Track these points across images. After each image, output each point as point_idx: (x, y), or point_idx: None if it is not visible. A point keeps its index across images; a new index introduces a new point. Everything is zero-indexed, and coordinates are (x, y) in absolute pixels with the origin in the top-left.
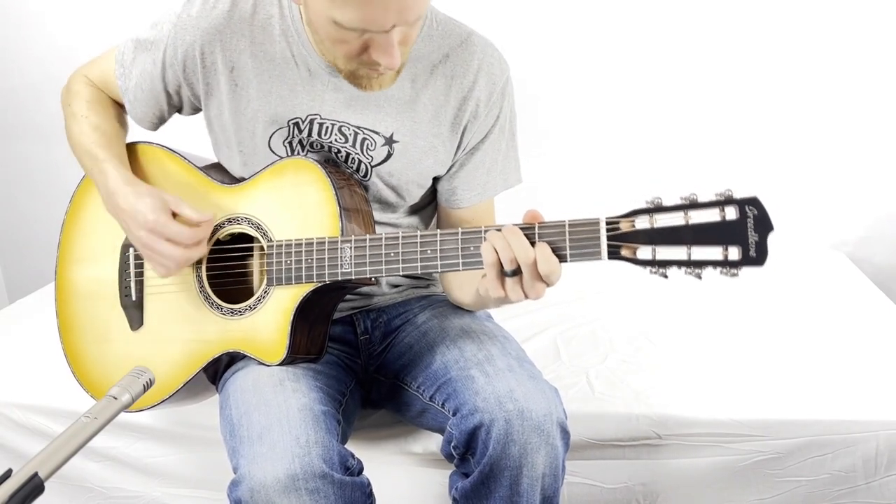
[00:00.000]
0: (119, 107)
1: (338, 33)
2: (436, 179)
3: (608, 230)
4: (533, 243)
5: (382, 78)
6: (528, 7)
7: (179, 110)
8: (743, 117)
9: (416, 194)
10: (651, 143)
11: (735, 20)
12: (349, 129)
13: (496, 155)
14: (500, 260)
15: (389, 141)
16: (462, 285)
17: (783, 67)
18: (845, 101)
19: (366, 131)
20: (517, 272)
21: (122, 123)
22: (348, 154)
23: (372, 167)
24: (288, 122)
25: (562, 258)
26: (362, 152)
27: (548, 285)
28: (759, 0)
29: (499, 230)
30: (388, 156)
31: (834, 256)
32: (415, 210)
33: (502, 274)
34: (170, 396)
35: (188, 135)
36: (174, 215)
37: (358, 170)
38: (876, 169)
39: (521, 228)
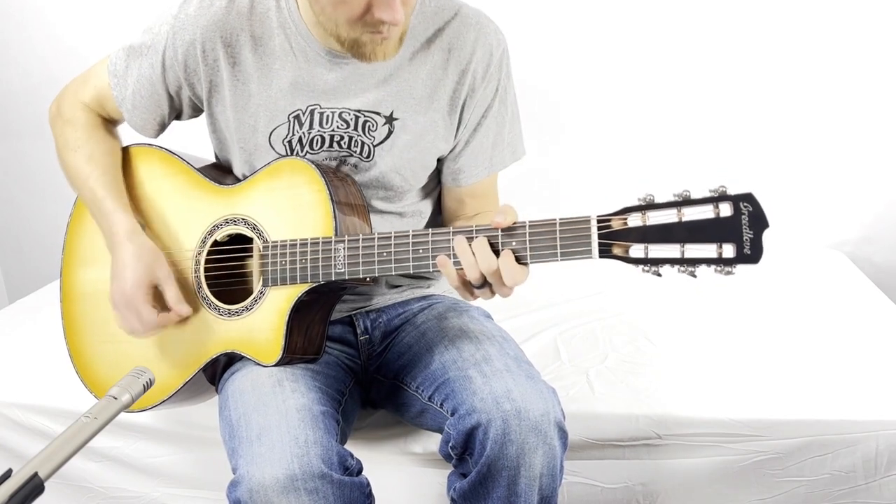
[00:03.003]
0: (112, 123)
1: None
2: (440, 161)
3: (599, 228)
4: (498, 252)
5: (386, 45)
6: (521, 5)
7: (179, 116)
8: (741, 115)
9: (420, 176)
10: (645, 140)
11: (733, 17)
12: (349, 114)
13: (500, 127)
14: (465, 274)
15: (390, 119)
16: None
17: (783, 65)
18: (846, 100)
19: (366, 113)
20: (484, 284)
21: (116, 139)
22: (351, 138)
23: (374, 147)
24: (289, 117)
25: (552, 257)
26: (364, 134)
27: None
28: None
29: (470, 238)
30: (389, 133)
31: (833, 256)
32: (424, 195)
33: (470, 284)
34: (169, 397)
35: (187, 136)
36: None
37: (361, 152)
38: (876, 168)
39: (489, 235)
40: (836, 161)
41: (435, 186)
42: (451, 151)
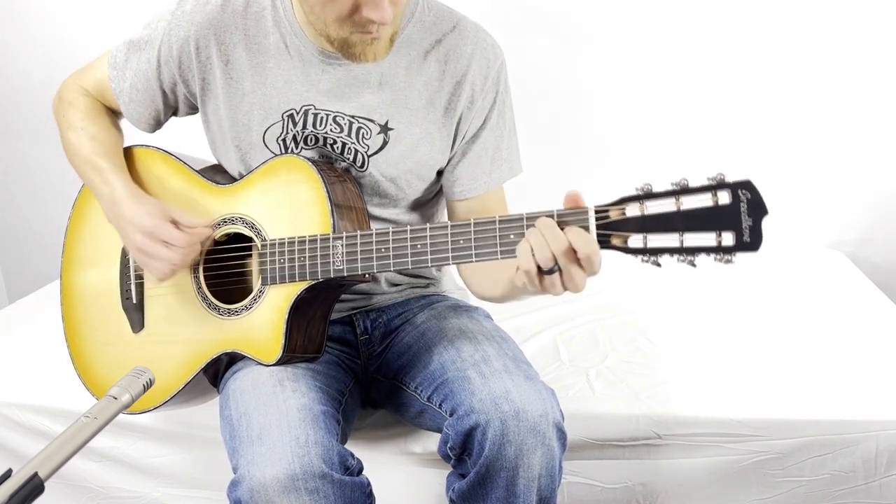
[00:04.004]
0: (114, 114)
1: None
2: (440, 174)
3: (598, 219)
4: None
5: (377, 45)
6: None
7: (175, 112)
8: (741, 115)
9: (416, 186)
10: (643, 138)
11: (733, 14)
12: (344, 118)
13: (499, 141)
14: (536, 259)
15: (384, 129)
16: (489, 276)
17: (782, 63)
18: (846, 99)
19: (360, 120)
20: (553, 270)
21: (119, 130)
22: (344, 144)
23: (368, 157)
24: (282, 115)
25: None
26: (358, 141)
27: (587, 272)
28: None
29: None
30: (384, 144)
31: (833, 256)
32: (416, 206)
33: (540, 272)
34: (171, 398)
35: (186, 137)
36: (173, 223)
37: (355, 160)
38: (876, 168)
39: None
40: (836, 161)
41: (429, 199)
42: (448, 163)
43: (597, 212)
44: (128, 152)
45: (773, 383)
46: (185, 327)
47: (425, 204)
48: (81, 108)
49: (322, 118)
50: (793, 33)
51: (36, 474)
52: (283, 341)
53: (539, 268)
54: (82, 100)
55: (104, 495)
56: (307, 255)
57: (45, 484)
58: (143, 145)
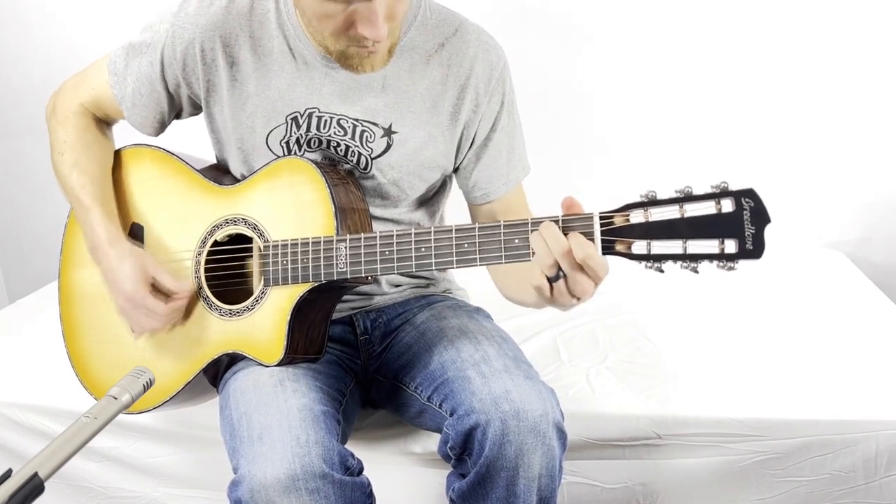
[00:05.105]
0: (107, 128)
1: (321, 7)
2: (455, 177)
3: (602, 225)
4: (565, 234)
5: (374, 58)
6: (522, 5)
7: (179, 114)
8: (742, 115)
9: (418, 187)
10: (646, 139)
11: (734, 14)
12: (347, 121)
13: (512, 142)
14: (540, 266)
15: (388, 132)
16: (520, 285)
17: (783, 63)
18: (846, 99)
19: (364, 123)
20: (558, 276)
21: (109, 146)
22: (348, 147)
23: (372, 159)
24: (286, 118)
25: None
26: (361, 144)
27: (592, 279)
28: None
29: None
30: (388, 147)
31: (833, 255)
32: (418, 205)
33: (548, 280)
34: (171, 398)
35: (187, 137)
36: (153, 285)
37: (358, 163)
38: (876, 168)
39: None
40: (836, 161)
41: (431, 197)
42: (462, 168)
43: (601, 218)
44: (128, 152)
45: (773, 383)
46: (185, 327)
47: (427, 202)
48: (69, 128)
49: (326, 121)
50: (794, 33)
51: (36, 474)
52: (284, 343)
53: (547, 277)
54: (73, 118)
55: (104, 495)
56: (310, 256)
57: (45, 484)
58: (145, 145)
